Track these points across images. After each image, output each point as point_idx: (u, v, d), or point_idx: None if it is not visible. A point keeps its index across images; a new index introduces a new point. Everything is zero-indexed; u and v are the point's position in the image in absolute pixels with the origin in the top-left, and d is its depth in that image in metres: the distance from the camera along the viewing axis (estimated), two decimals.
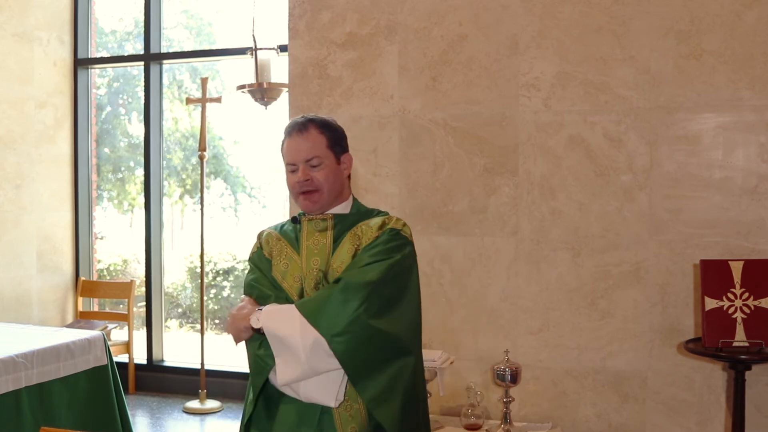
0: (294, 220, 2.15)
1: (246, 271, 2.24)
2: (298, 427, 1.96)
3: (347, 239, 2.05)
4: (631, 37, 3.48)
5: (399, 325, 1.96)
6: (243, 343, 2.06)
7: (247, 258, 2.21)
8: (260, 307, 2.00)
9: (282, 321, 1.93)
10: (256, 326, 1.96)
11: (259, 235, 2.21)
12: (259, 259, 2.15)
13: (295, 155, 2.07)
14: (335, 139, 2.11)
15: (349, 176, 2.16)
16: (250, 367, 2.04)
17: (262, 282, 2.10)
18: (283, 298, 2.04)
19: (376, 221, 2.07)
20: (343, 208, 2.13)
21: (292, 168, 2.08)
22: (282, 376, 1.93)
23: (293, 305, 1.95)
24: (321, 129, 2.09)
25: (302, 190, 2.07)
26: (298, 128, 2.08)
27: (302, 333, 1.89)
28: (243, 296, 2.13)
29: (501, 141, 3.67)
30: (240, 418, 2.21)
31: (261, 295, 2.06)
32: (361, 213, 2.13)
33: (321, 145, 2.07)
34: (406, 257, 2.03)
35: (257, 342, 1.99)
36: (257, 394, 2.02)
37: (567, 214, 3.58)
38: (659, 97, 3.45)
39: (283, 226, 2.19)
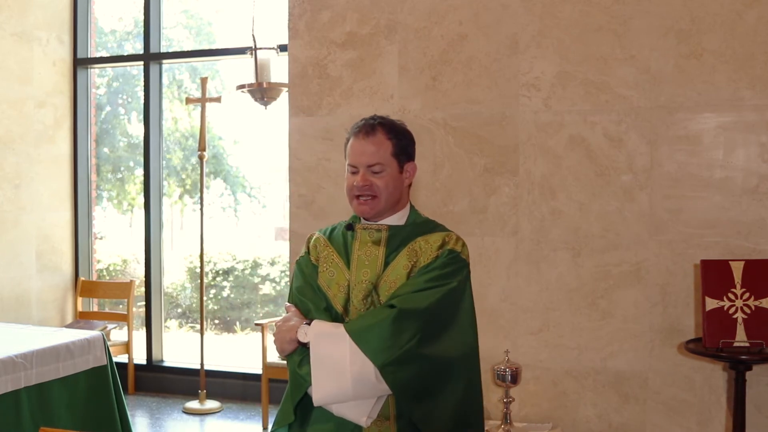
0: (349, 227, 2.07)
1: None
2: None
3: (403, 254, 1.99)
4: (632, 36, 3.47)
5: (451, 350, 1.94)
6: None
7: (296, 260, 2.17)
8: (307, 321, 1.96)
9: (331, 343, 1.88)
10: (303, 341, 1.91)
11: (308, 239, 2.15)
12: (306, 264, 2.10)
13: (357, 158, 2.00)
14: (402, 146, 2.03)
15: (410, 185, 2.10)
16: (289, 383, 2.01)
17: (306, 292, 2.05)
18: (323, 309, 2.00)
19: (435, 239, 2.01)
20: (399, 218, 2.06)
21: (352, 170, 2.01)
22: (319, 396, 1.88)
23: (342, 327, 1.89)
24: (389, 134, 2.01)
25: (358, 194, 2.00)
26: (365, 130, 2.00)
27: (352, 359, 1.84)
28: (287, 303, 2.09)
29: (501, 141, 3.66)
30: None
31: (305, 307, 2.03)
32: (418, 224, 2.06)
33: (386, 151, 1.99)
34: (461, 282, 1.99)
35: (298, 358, 1.94)
36: (296, 407, 1.98)
37: (567, 214, 3.58)
38: (660, 96, 3.45)
39: (333, 230, 2.13)
